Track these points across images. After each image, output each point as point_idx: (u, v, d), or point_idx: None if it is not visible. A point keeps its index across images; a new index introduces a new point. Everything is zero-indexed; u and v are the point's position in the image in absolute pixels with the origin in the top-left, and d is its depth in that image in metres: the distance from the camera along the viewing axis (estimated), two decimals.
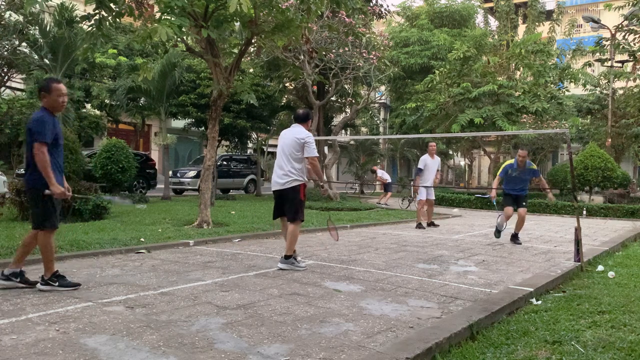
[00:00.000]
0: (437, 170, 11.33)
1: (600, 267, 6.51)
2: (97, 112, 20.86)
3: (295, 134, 6.16)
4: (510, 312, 4.40)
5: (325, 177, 20.49)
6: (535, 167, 9.01)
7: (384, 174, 19.94)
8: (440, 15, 26.22)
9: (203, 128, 19.17)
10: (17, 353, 3.14)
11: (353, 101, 21.03)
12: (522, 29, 25.76)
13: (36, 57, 17.44)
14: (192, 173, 19.74)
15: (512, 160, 8.86)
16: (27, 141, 4.52)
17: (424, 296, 4.84)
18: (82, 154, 10.80)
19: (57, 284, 4.65)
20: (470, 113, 18.58)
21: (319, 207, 14.82)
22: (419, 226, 11.10)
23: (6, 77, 19.51)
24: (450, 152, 34.51)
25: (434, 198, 11.65)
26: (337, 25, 14.87)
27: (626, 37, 17.32)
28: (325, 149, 27.87)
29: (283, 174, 6.09)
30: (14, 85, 20.88)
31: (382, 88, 28.06)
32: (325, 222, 7.93)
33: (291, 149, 6.09)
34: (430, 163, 11.02)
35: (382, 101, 34.73)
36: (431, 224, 11.45)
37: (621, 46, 17.61)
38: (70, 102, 15.46)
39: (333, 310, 4.25)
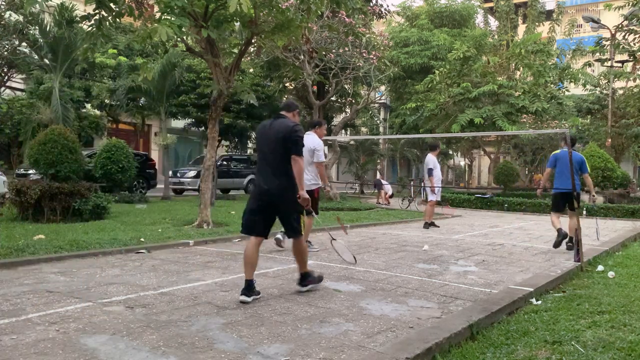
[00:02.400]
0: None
1: (600, 267, 6.50)
2: (97, 112, 20.85)
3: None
4: (510, 312, 4.40)
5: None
6: None
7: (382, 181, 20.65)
8: (440, 15, 26.21)
9: (203, 128, 19.18)
10: (17, 353, 3.14)
11: (353, 101, 21.02)
12: (522, 29, 25.75)
13: (36, 57, 17.46)
14: (192, 173, 19.74)
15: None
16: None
17: (424, 296, 4.84)
18: (82, 154, 10.78)
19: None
20: (470, 113, 18.58)
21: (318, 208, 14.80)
22: (431, 224, 11.31)
23: (6, 77, 19.52)
24: (450, 152, 34.51)
25: (439, 199, 11.91)
26: (337, 25, 14.86)
27: (626, 37, 17.33)
28: (325, 149, 27.85)
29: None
30: (14, 85, 20.89)
31: (382, 88, 28.05)
32: (322, 222, 8.00)
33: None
34: (437, 163, 11.30)
35: (382, 101, 34.73)
36: (432, 224, 11.47)
37: (621, 46, 17.62)
38: (70, 102, 15.47)
39: (333, 310, 4.25)
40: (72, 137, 10.29)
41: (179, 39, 9.01)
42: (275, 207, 4.65)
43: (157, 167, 19.52)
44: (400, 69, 21.88)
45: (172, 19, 7.35)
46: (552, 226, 8.03)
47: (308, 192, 7.12)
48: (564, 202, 7.88)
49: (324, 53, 16.19)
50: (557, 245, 7.75)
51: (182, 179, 20.06)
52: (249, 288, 4.51)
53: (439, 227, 11.44)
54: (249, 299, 4.45)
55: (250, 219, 4.70)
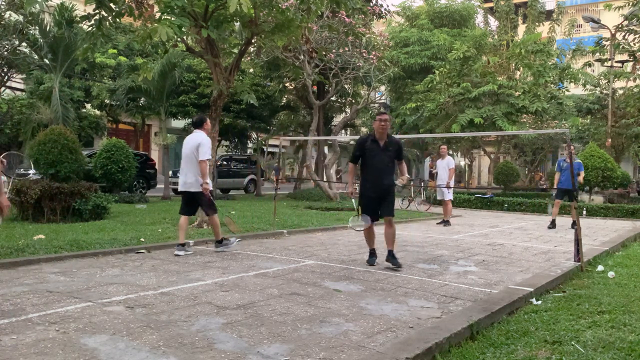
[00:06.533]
0: (451, 169, 11.90)
1: (600, 267, 6.50)
2: (97, 112, 20.87)
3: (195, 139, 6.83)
4: (510, 312, 4.40)
5: (325, 177, 20.52)
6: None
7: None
8: (440, 15, 26.19)
9: None
10: (17, 353, 3.14)
11: (353, 101, 21.00)
12: (522, 29, 25.74)
13: (36, 57, 17.45)
14: None
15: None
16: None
17: (424, 296, 4.84)
18: (82, 154, 10.77)
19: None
20: (470, 113, 18.59)
21: (318, 207, 14.82)
22: (447, 223, 11.76)
23: (6, 77, 19.52)
24: (450, 152, 34.46)
25: (446, 198, 12.15)
26: (337, 25, 14.87)
27: (626, 37, 17.33)
28: (325, 149, 27.86)
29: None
30: (14, 85, 20.90)
31: (382, 88, 28.04)
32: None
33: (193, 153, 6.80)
34: (439, 164, 11.88)
35: (382, 101, 34.71)
36: (441, 222, 11.89)
37: (621, 46, 17.61)
38: (70, 102, 15.48)
39: (333, 310, 4.25)
40: (72, 137, 10.28)
41: (179, 39, 9.01)
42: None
43: (157, 167, 19.52)
44: (400, 69, 21.88)
45: (172, 19, 7.35)
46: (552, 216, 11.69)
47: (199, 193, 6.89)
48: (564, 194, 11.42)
49: (324, 53, 16.19)
50: (550, 227, 11.30)
51: None
52: (372, 253, 6.61)
53: (438, 225, 11.60)
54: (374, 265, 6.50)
55: (370, 206, 6.35)
